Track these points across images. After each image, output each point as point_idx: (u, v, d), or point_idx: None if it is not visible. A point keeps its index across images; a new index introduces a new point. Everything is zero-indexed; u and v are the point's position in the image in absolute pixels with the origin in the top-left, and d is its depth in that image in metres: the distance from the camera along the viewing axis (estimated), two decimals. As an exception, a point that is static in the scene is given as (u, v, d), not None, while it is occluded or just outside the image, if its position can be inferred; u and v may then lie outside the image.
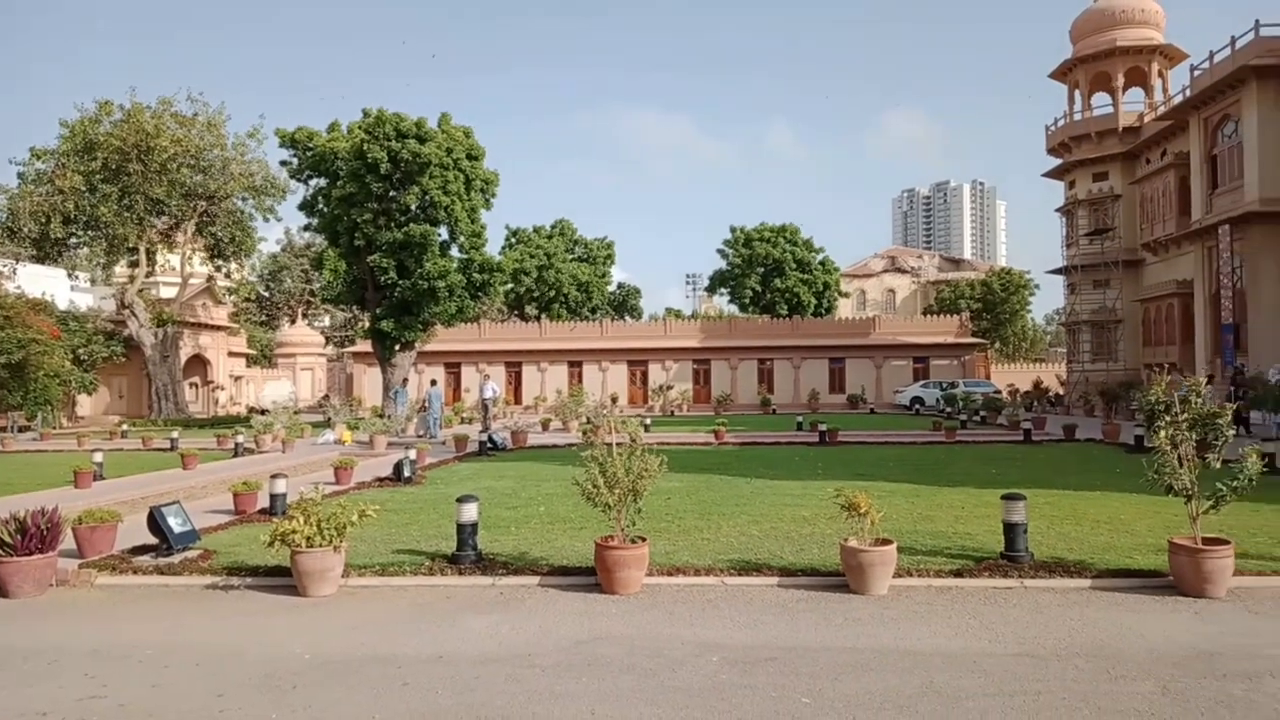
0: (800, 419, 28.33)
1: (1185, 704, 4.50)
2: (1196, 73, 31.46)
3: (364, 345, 43.08)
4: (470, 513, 7.93)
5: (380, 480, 14.45)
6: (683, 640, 5.82)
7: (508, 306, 59.01)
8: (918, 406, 39.71)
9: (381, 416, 26.90)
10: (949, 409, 32.43)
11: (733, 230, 58.73)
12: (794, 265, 56.73)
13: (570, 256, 61.07)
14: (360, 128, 31.98)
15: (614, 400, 43.35)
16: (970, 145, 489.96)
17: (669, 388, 46.19)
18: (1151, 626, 5.92)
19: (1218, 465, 6.88)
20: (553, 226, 61.69)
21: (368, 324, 34.83)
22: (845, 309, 67.36)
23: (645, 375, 47.35)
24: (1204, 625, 5.92)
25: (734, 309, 61.60)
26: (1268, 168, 27.81)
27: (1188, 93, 32.09)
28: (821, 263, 57.99)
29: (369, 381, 45.68)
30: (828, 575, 7.29)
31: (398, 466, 14.50)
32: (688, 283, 77.87)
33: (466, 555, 7.84)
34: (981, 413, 30.38)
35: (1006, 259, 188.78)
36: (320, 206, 33.52)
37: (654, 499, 10.77)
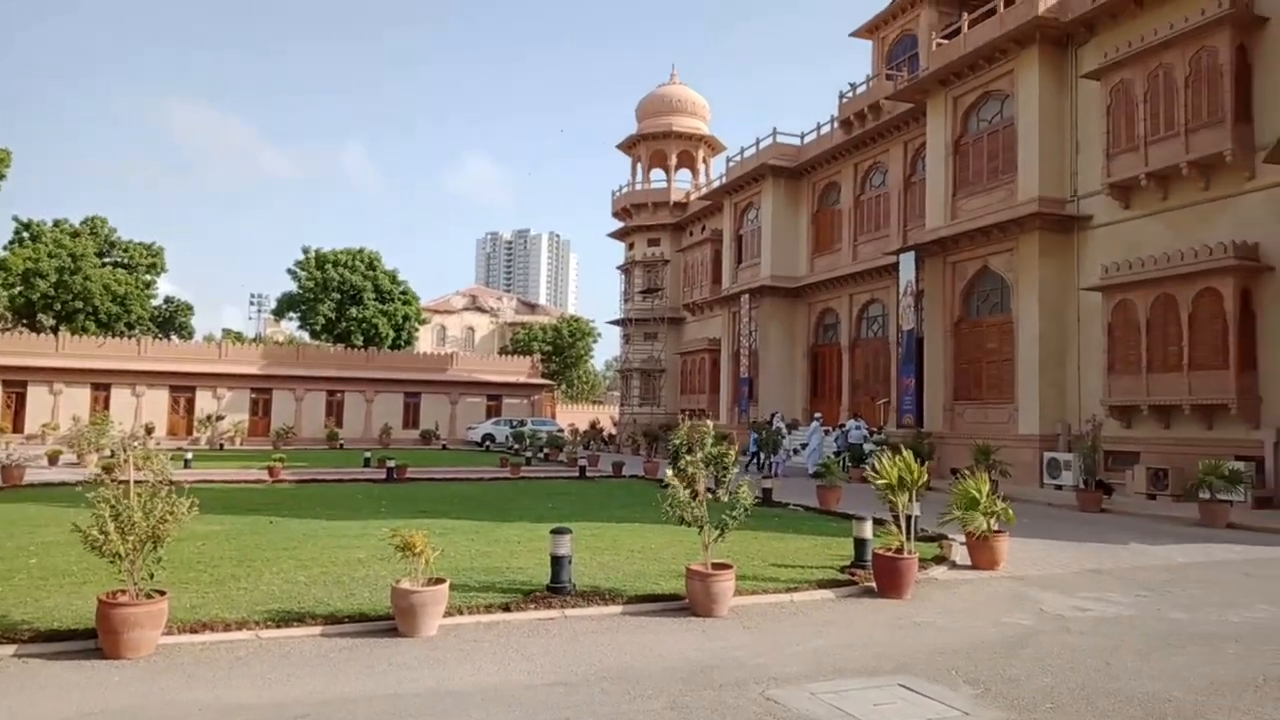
0: (368, 455, 27.42)
1: (688, 715, 5.03)
2: (730, 164, 37.19)
3: None
4: (-83, 570, 6.24)
5: None
6: (201, 705, 5.13)
7: (14, 313, 48.82)
8: (488, 443, 40.80)
9: None
10: (517, 446, 33.80)
11: (306, 251, 55.27)
12: (373, 294, 55.07)
13: (104, 261, 52.44)
14: None
15: (149, 431, 37.90)
16: (554, 200, 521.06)
17: (220, 418, 41.82)
18: (668, 646, 6.59)
19: (726, 498, 7.95)
20: (82, 224, 52.43)
21: None
22: (424, 343, 67.16)
23: (192, 403, 42.36)
24: (709, 642, 6.74)
25: (305, 335, 57.96)
26: (778, 249, 33.69)
27: (723, 180, 37.77)
28: (403, 294, 57.13)
29: None
30: (378, 620, 7.00)
31: None
32: (252, 303, 71.61)
33: (-93, 625, 6.14)
34: (545, 450, 32.16)
35: (576, 307, 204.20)
36: None
37: (185, 545, 9.54)
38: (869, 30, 31.48)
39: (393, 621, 6.84)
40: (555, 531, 8.05)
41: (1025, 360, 21.70)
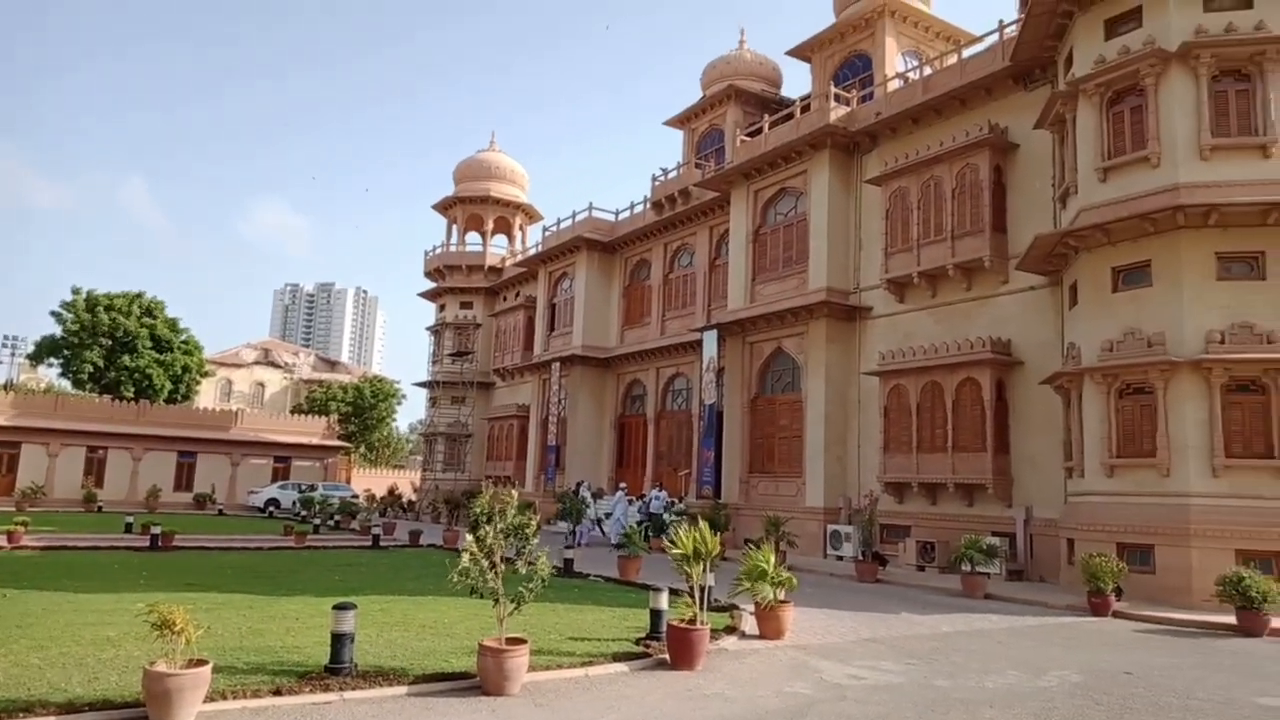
0: (131, 519, 24.80)
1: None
2: (547, 233, 37.67)
3: None
4: None
5: None
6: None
7: None
8: (272, 509, 38.11)
9: None
10: (305, 512, 31.75)
11: (76, 292, 50.10)
12: (150, 342, 50.48)
13: None
14: None
15: None
16: (363, 254, 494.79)
17: (-47, 474, 36.53)
18: (455, 728, 6.29)
19: (524, 570, 7.80)
20: None
21: None
22: (207, 398, 62.17)
23: (-82, 456, 36.80)
24: (498, 721, 6.50)
25: (67, 384, 52.09)
26: (590, 319, 34.24)
27: (539, 248, 38.13)
28: (184, 343, 52.79)
29: None
30: (125, 707, 6.24)
31: None
32: (5, 346, 63.61)
33: None
34: (336, 517, 30.41)
35: (381, 367, 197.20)
36: None
37: (-115, 624, 8.14)
38: (681, 121, 33.33)
39: (144, 709, 6.12)
40: (338, 607, 7.55)
41: (813, 437, 23.07)
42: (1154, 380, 14.94)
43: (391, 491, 43.80)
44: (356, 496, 38.60)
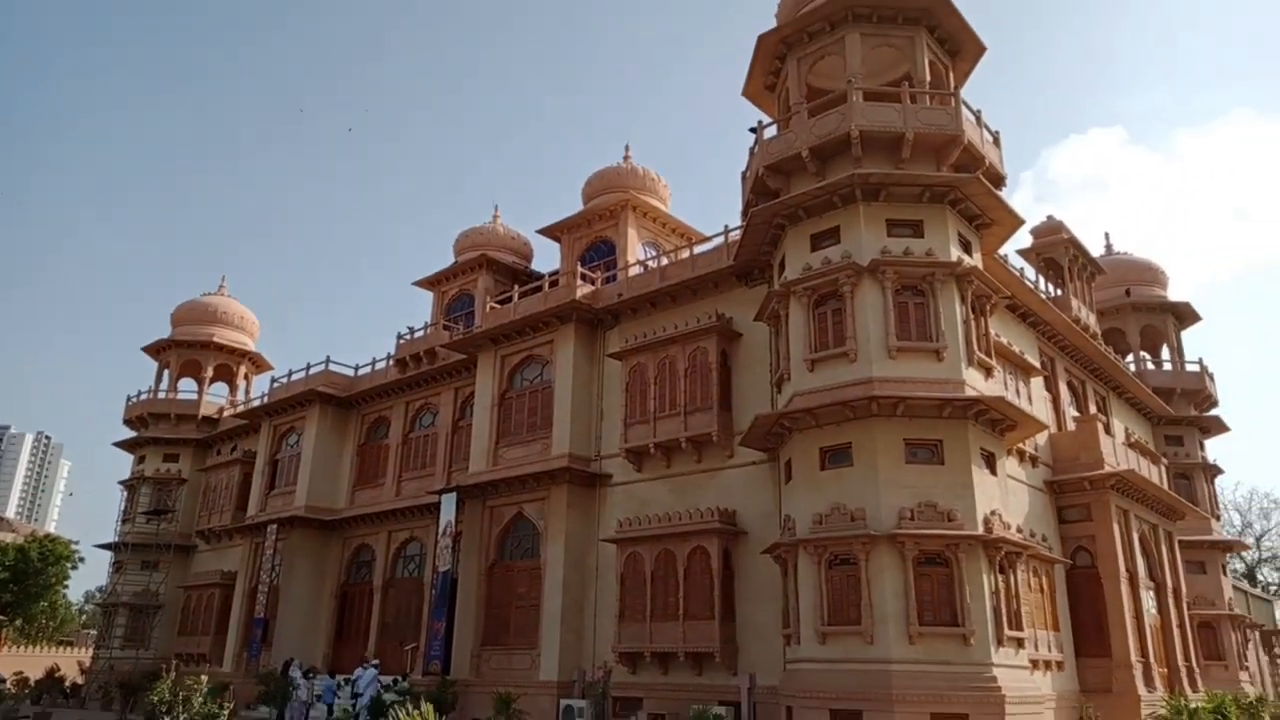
0: None
1: None
2: (276, 385, 35.40)
3: None
4: None
5: None
6: None
7: None
8: (-119, 702, 30.53)
9: None
10: (-72, 705, 25.78)
11: None
12: None
13: None
14: None
15: None
16: (49, 395, 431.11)
17: None
18: None
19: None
20: None
21: None
22: None
23: None
24: None
25: None
26: (317, 478, 32.02)
27: (265, 399, 35.63)
28: None
29: None
30: None
31: None
32: None
33: None
34: (-28, 710, 24.98)
35: (57, 525, 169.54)
36: None
37: None
38: (431, 283, 33.59)
39: None
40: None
41: (550, 606, 22.65)
42: (857, 552, 16.40)
43: (51, 673, 36.81)
44: (3, 681, 32.07)
